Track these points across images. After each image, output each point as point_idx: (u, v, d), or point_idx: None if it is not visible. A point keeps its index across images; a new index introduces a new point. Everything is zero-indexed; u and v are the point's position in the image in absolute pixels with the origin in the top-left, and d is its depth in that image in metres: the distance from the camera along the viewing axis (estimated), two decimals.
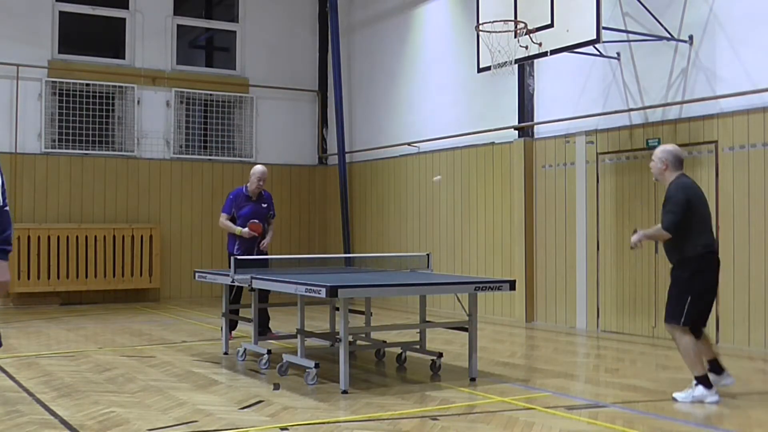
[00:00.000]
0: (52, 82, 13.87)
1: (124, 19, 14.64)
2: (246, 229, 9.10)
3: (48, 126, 13.84)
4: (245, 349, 8.02)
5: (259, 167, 9.34)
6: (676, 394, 6.19)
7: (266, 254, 9.25)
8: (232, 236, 9.25)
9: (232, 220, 9.20)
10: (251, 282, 7.37)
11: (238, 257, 7.86)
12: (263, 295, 8.54)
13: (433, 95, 13.34)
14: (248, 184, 9.27)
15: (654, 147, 9.71)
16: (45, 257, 13.44)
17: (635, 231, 6.41)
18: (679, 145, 9.42)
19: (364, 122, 15.10)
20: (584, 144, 10.72)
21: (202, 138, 15.29)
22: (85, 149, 14.12)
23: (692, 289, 6.12)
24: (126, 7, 14.64)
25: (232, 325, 9.00)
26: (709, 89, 9.16)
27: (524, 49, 9.59)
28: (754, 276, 8.72)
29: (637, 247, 6.37)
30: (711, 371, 6.27)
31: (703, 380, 6.09)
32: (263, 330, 8.87)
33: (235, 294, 8.85)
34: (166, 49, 14.86)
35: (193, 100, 15.07)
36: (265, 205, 9.33)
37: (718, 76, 9.08)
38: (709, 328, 9.06)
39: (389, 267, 9.23)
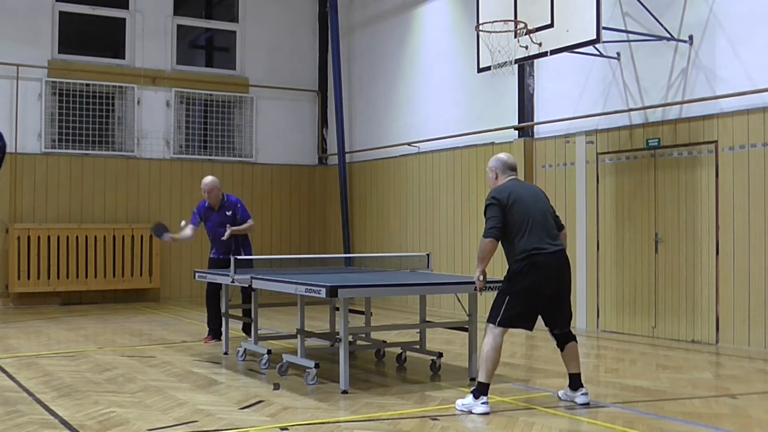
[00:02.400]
0: (52, 82, 13.87)
1: (124, 19, 14.64)
2: (183, 222, 9.57)
3: (48, 126, 13.84)
4: (245, 349, 8.02)
5: (204, 179, 9.47)
6: (458, 402, 5.90)
7: (241, 250, 9.24)
8: (212, 243, 9.44)
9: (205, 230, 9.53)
10: (251, 282, 7.37)
11: (241, 257, 7.86)
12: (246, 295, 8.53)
13: (433, 95, 13.34)
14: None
15: (654, 147, 9.78)
16: (45, 257, 13.44)
17: (481, 277, 6.03)
18: (679, 145, 9.53)
19: (364, 122, 15.10)
20: (584, 144, 10.72)
21: (202, 138, 15.29)
22: (85, 149, 14.12)
23: (510, 290, 5.87)
24: (126, 7, 14.64)
25: (218, 328, 8.99)
26: (709, 89, 9.16)
27: (524, 49, 9.59)
28: (754, 276, 8.72)
29: (481, 286, 6.11)
30: (570, 386, 6.09)
31: (480, 387, 5.78)
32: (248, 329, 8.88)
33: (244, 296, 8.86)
34: (166, 49, 14.86)
35: (193, 100, 15.07)
36: (230, 213, 9.34)
37: (718, 76, 9.07)
38: (709, 328, 9.10)
39: (389, 267, 9.22)
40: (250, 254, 9.27)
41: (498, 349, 5.82)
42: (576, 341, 6.09)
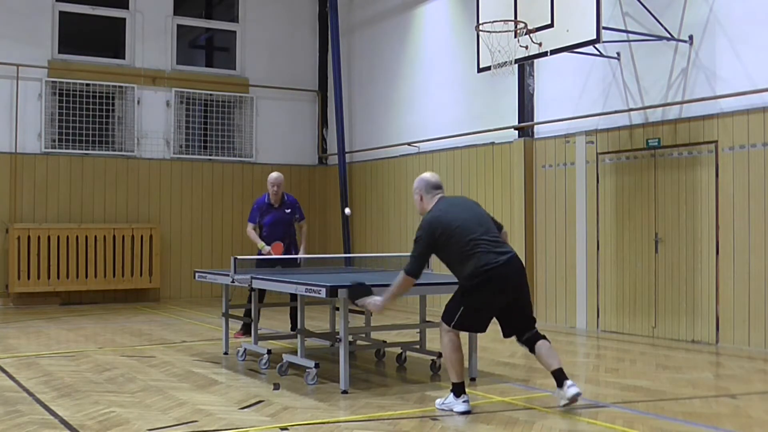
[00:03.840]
0: (52, 82, 13.87)
1: (124, 19, 14.64)
2: (267, 248, 9.15)
3: (48, 126, 13.84)
4: (245, 349, 8.02)
5: (272, 174, 9.37)
6: (437, 401, 5.88)
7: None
8: (265, 240, 9.27)
9: (260, 227, 9.31)
10: (251, 282, 7.37)
11: (239, 257, 7.86)
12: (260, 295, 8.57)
13: (433, 95, 13.34)
14: (268, 193, 9.30)
15: (654, 147, 9.78)
16: (45, 257, 13.44)
17: (376, 306, 5.88)
18: (679, 145, 9.53)
19: (364, 122, 15.10)
20: (584, 144, 10.72)
21: (202, 138, 15.30)
22: (85, 149, 14.12)
23: (465, 303, 5.73)
24: (126, 7, 14.64)
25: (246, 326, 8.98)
26: (709, 89, 9.16)
27: (524, 49, 9.59)
28: (754, 276, 8.72)
29: (381, 312, 5.97)
30: (557, 385, 5.78)
31: (455, 387, 5.72)
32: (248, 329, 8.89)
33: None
34: (166, 49, 14.86)
35: (193, 100, 15.07)
36: (289, 210, 9.33)
37: (718, 76, 9.07)
38: (709, 328, 9.10)
39: (389, 267, 9.22)
40: (299, 254, 9.35)
41: (458, 348, 5.74)
42: (546, 339, 5.84)
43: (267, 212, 9.33)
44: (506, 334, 5.91)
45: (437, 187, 5.99)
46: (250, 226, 9.35)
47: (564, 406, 5.75)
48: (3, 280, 13.44)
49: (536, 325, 5.92)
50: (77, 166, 14.04)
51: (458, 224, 5.71)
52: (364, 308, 5.99)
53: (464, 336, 7.36)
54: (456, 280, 5.90)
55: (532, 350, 5.84)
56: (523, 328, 5.87)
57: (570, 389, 5.68)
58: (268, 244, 9.25)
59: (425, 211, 5.94)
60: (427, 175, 6.08)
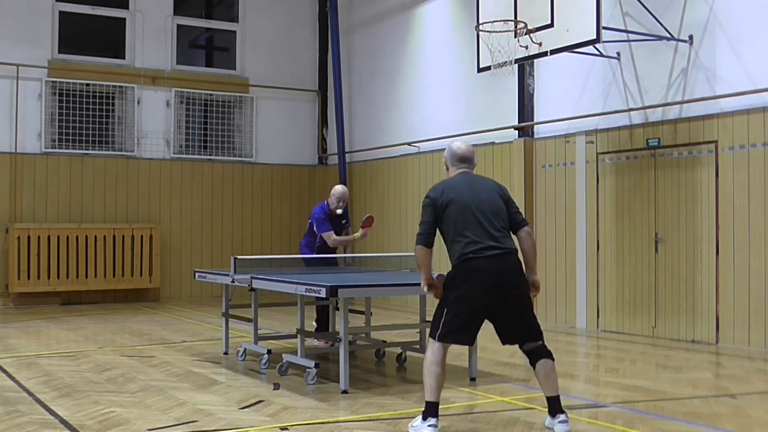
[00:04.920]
0: (52, 82, 13.87)
1: (124, 19, 14.64)
2: (360, 233, 9.12)
3: (48, 126, 13.85)
4: (245, 349, 8.02)
5: (340, 188, 9.13)
6: (411, 423, 5.28)
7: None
8: (310, 245, 9.13)
9: (315, 236, 9.14)
10: (251, 282, 7.37)
11: (239, 257, 7.86)
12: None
13: (433, 95, 13.34)
14: (329, 202, 9.07)
15: (654, 147, 9.78)
16: (45, 257, 13.44)
17: (425, 287, 5.37)
18: (679, 145, 9.53)
19: (364, 122, 15.10)
20: (584, 144, 10.72)
21: (202, 138, 15.30)
22: (85, 149, 14.12)
23: (447, 300, 5.22)
24: (126, 7, 14.64)
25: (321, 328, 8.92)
26: (709, 89, 9.16)
27: (524, 49, 9.59)
28: (754, 276, 8.72)
29: (437, 294, 5.37)
30: (548, 411, 5.26)
31: (427, 407, 5.14)
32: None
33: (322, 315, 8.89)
34: (166, 49, 14.86)
35: (193, 100, 15.07)
36: (344, 221, 9.23)
37: (718, 76, 9.07)
38: (709, 328, 9.10)
39: (389, 267, 9.22)
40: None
41: (439, 363, 5.14)
42: (550, 358, 5.24)
43: (331, 222, 9.09)
44: (504, 341, 5.40)
45: (463, 160, 5.49)
46: (332, 234, 8.97)
47: (549, 427, 5.26)
48: (3, 280, 13.44)
49: (542, 339, 5.32)
50: (77, 166, 14.04)
51: (464, 200, 5.25)
52: (434, 295, 5.41)
53: None
54: None
55: (533, 364, 5.29)
56: (522, 337, 5.31)
57: (560, 426, 5.12)
58: (315, 251, 9.06)
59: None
60: (456, 145, 5.58)
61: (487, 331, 8.94)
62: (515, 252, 5.30)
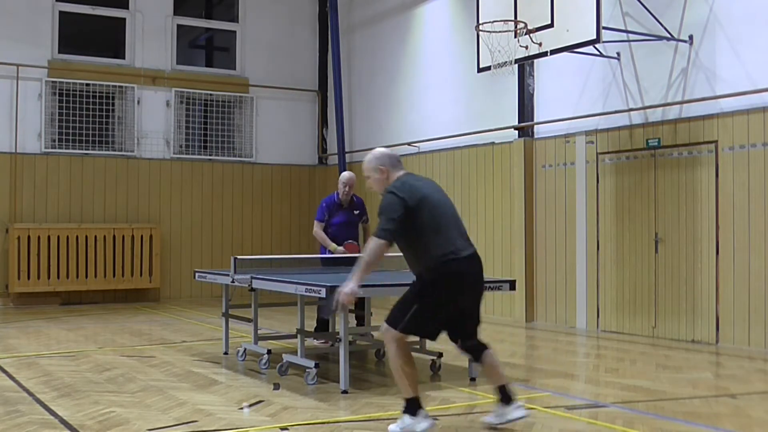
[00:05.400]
0: (52, 82, 13.87)
1: (124, 19, 14.64)
2: (341, 248, 8.94)
3: (48, 126, 13.85)
4: (245, 349, 8.02)
5: (345, 173, 9.10)
6: (390, 426, 5.14)
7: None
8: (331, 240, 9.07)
9: (326, 227, 9.08)
10: (251, 282, 7.37)
11: (239, 257, 7.86)
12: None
13: (433, 95, 13.34)
14: (337, 192, 9.03)
15: (654, 147, 9.78)
16: (45, 257, 13.44)
17: (355, 290, 5.00)
18: (679, 145, 9.53)
19: (364, 122, 15.10)
20: (584, 144, 10.72)
21: (202, 138, 15.30)
22: (85, 149, 14.12)
23: (422, 300, 5.06)
24: (126, 7, 14.64)
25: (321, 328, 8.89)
26: (709, 89, 9.16)
27: (524, 49, 9.59)
28: (754, 276, 8.72)
29: (349, 302, 5.08)
30: (501, 401, 5.27)
31: (409, 405, 5.06)
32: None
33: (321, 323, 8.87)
34: (166, 49, 14.87)
35: (193, 100, 15.07)
36: (357, 212, 9.11)
37: (718, 76, 9.07)
38: (709, 328, 9.10)
39: (389, 267, 9.22)
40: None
41: (409, 358, 5.06)
42: (490, 349, 5.32)
43: (336, 212, 9.05)
44: (453, 338, 5.29)
45: (399, 161, 5.36)
46: (317, 225, 9.02)
47: (499, 424, 5.27)
48: (3, 280, 13.44)
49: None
50: (77, 166, 14.04)
51: (435, 198, 5.13)
52: (344, 304, 5.12)
53: None
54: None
55: (476, 359, 5.30)
56: (471, 334, 5.29)
57: (517, 411, 5.22)
58: (334, 240, 9.00)
59: (388, 185, 5.19)
60: (384, 149, 5.42)
61: (486, 332, 8.93)
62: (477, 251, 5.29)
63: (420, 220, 5.02)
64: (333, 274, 7.80)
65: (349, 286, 5.02)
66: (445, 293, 5.07)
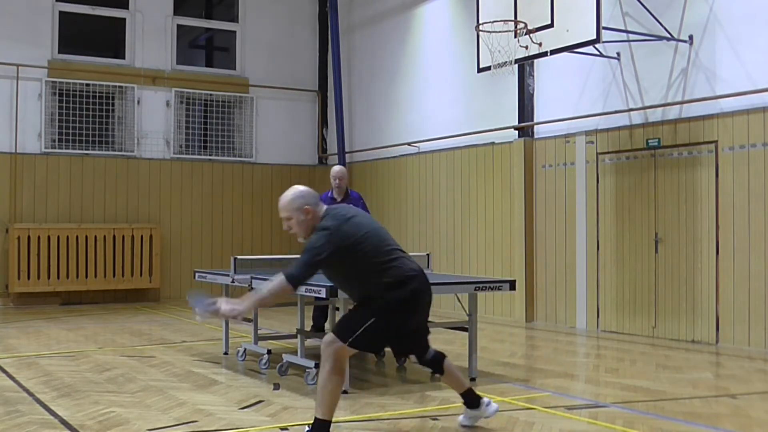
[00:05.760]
0: (52, 82, 13.87)
1: (124, 19, 14.64)
2: None
3: (48, 126, 13.84)
4: (245, 349, 8.02)
5: (335, 167, 9.14)
6: None
7: None
8: None
9: None
10: (251, 282, 7.37)
11: (239, 257, 7.86)
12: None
13: (433, 95, 13.34)
14: (332, 188, 9.06)
15: (654, 147, 9.78)
16: (45, 257, 13.44)
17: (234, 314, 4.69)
18: (679, 145, 9.53)
19: (364, 122, 15.10)
20: (584, 144, 10.72)
21: (202, 138, 15.30)
22: (85, 149, 14.12)
23: (378, 318, 4.79)
24: (126, 7, 14.64)
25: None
26: (709, 89, 9.17)
27: (524, 49, 9.59)
28: (754, 276, 8.72)
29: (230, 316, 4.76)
30: (468, 406, 5.24)
31: (321, 426, 4.78)
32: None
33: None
34: (166, 49, 14.86)
35: (193, 100, 15.07)
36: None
37: (718, 76, 9.08)
38: (709, 328, 9.10)
39: None
40: None
41: (342, 378, 4.82)
42: (446, 357, 5.25)
43: None
44: (399, 354, 5.10)
45: (320, 198, 5.04)
46: None
47: (470, 425, 5.28)
48: (3, 280, 13.44)
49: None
50: (77, 166, 14.04)
51: (368, 230, 4.85)
52: (213, 315, 4.71)
53: (463, 336, 7.37)
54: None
55: (438, 371, 5.19)
56: (425, 346, 5.20)
57: (490, 407, 5.23)
58: None
59: (315, 225, 4.81)
60: (302, 187, 4.94)
61: (485, 332, 8.94)
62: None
63: (357, 257, 4.75)
64: None
65: (235, 309, 4.65)
66: (407, 315, 4.89)
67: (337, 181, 8.99)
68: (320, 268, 4.77)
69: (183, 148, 14.99)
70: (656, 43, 9.60)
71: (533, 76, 11.45)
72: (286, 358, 7.22)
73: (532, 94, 11.48)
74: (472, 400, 5.23)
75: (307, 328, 7.84)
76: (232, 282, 7.60)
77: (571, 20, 9.09)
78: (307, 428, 4.89)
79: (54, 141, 13.92)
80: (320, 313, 8.88)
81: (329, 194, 9.09)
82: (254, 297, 4.77)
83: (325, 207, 4.95)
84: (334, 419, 4.93)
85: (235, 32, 15.68)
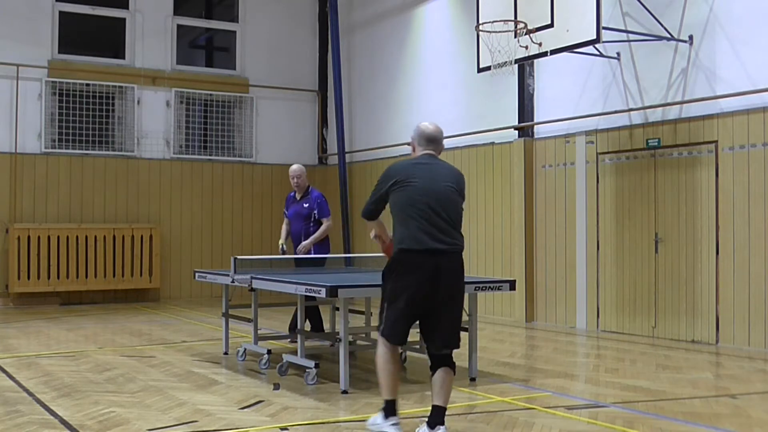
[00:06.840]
0: (52, 82, 13.87)
1: (124, 19, 14.64)
2: (280, 242, 9.36)
3: (48, 126, 13.84)
4: (245, 349, 8.02)
5: (292, 166, 9.29)
6: (369, 420, 5.21)
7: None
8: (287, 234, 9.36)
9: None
10: (251, 282, 7.37)
11: (239, 257, 7.86)
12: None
13: (433, 95, 13.34)
14: None
15: (654, 147, 9.78)
16: (45, 257, 13.44)
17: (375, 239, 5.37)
18: (679, 145, 9.53)
19: (364, 122, 15.10)
20: (584, 144, 10.72)
21: (202, 138, 15.30)
22: (85, 149, 14.12)
23: (385, 294, 5.06)
24: (126, 7, 14.64)
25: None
26: (709, 89, 9.17)
27: (524, 49, 9.59)
28: (754, 276, 8.72)
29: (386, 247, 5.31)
30: (428, 423, 4.96)
31: (386, 405, 5.03)
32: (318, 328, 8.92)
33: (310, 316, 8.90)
34: (166, 49, 14.86)
35: (193, 100, 15.07)
36: (307, 205, 9.11)
37: (718, 76, 9.08)
38: (709, 328, 9.10)
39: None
40: (326, 253, 9.12)
41: (390, 360, 4.98)
42: (452, 370, 5.04)
43: (290, 205, 9.29)
44: (427, 342, 5.05)
45: (430, 140, 5.24)
46: (285, 220, 9.40)
47: None
48: (3, 280, 13.44)
49: (457, 348, 5.10)
50: (77, 166, 14.04)
51: (416, 184, 5.01)
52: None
53: (464, 336, 7.36)
54: (464, 281, 5.15)
55: (435, 368, 5.05)
56: (437, 345, 5.04)
57: None
58: (292, 236, 9.21)
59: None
60: (424, 124, 5.33)
61: (485, 332, 8.93)
62: (459, 250, 5.06)
63: (398, 202, 5.08)
64: (333, 274, 7.80)
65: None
66: (402, 282, 4.94)
67: (295, 180, 9.18)
68: (380, 205, 5.24)
69: (183, 148, 14.99)
70: (656, 43, 9.60)
71: (533, 76, 11.45)
72: (286, 358, 7.22)
73: (532, 94, 11.48)
74: (433, 419, 4.93)
75: (308, 328, 7.84)
76: (232, 282, 7.60)
77: (571, 20, 9.09)
78: (380, 410, 5.11)
79: (54, 141, 13.92)
80: (311, 314, 8.87)
81: (292, 194, 9.31)
82: (377, 229, 5.39)
83: (425, 152, 5.25)
84: (334, 419, 5.04)
85: (235, 32, 15.68)
